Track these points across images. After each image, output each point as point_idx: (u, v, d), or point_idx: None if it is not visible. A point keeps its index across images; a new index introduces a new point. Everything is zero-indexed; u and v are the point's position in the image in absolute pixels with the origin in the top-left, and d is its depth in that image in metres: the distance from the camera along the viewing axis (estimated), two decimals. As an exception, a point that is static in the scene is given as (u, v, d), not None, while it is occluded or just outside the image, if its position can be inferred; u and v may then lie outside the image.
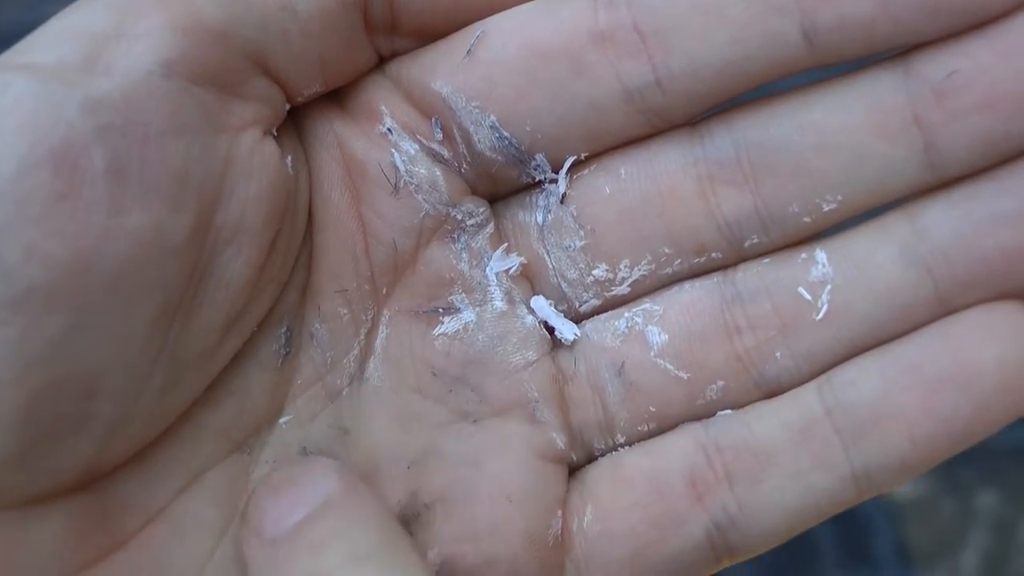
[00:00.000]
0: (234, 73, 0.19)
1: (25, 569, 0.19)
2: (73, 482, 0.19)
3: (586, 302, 0.22)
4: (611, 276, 0.22)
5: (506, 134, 0.21)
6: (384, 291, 0.22)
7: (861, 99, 0.21)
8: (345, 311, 0.22)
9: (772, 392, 0.22)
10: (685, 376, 0.22)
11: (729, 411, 0.22)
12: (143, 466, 0.20)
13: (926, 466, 0.21)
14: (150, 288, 0.18)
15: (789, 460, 0.21)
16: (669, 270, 0.22)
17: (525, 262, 0.22)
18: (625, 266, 0.22)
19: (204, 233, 0.19)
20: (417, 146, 0.22)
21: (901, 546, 0.72)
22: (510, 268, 0.22)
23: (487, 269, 0.22)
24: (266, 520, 0.19)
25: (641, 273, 0.22)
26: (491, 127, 0.21)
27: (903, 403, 0.20)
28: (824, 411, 0.21)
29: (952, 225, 0.20)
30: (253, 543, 0.19)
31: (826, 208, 0.21)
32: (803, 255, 0.21)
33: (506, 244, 0.23)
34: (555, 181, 0.22)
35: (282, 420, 0.22)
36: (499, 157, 0.22)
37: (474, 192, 0.22)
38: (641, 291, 0.22)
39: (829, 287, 0.21)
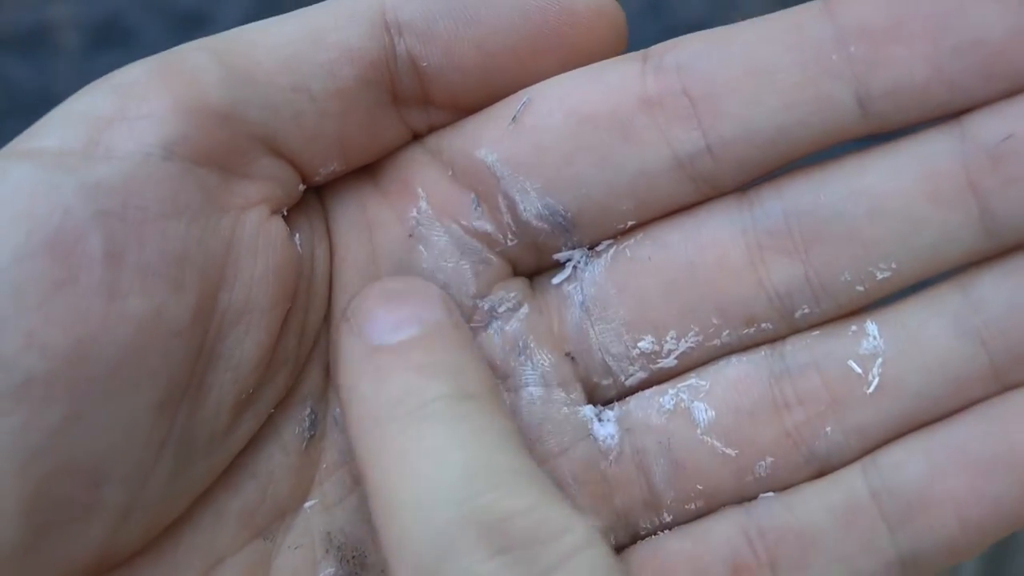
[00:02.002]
0: (239, 154, 0.19)
1: None
2: (84, 572, 0.19)
3: (632, 375, 0.22)
4: (657, 348, 0.22)
5: (552, 201, 0.21)
6: None
7: (914, 164, 0.20)
8: None
9: (821, 469, 0.21)
10: (733, 453, 0.21)
11: (772, 494, 0.22)
12: (160, 554, 0.20)
13: (975, 550, 0.20)
14: (153, 373, 0.18)
15: (833, 545, 0.21)
16: (717, 341, 0.22)
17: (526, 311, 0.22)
18: (672, 338, 0.21)
19: (208, 314, 0.19)
20: (447, 237, 0.21)
21: (901, 546, 0.71)
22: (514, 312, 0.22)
23: (520, 355, 0.22)
24: (372, 326, 0.19)
25: (688, 345, 0.22)
26: (537, 194, 0.21)
27: (950, 486, 0.20)
28: (870, 494, 0.21)
29: (1006, 296, 0.20)
30: (353, 341, 0.19)
31: (880, 277, 0.20)
32: (853, 327, 0.21)
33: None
34: (597, 252, 0.22)
35: (307, 504, 0.21)
36: (545, 226, 0.21)
37: (516, 267, 0.22)
38: (689, 363, 0.22)
39: (880, 360, 0.21)
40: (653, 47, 0.21)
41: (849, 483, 0.21)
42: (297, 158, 0.20)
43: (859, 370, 0.21)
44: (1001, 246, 0.20)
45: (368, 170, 0.22)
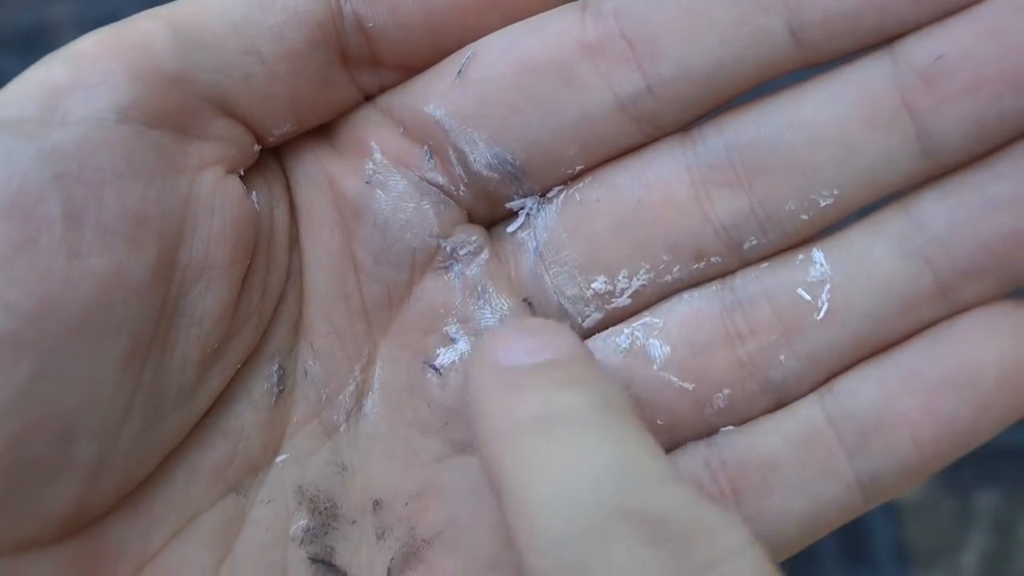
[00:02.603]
0: (192, 116, 0.20)
1: None
2: (60, 528, 0.19)
3: (588, 316, 0.22)
4: (611, 288, 0.22)
5: (500, 151, 0.21)
6: (379, 326, 0.22)
7: (849, 91, 0.20)
8: (339, 348, 0.22)
9: (779, 397, 0.22)
10: (690, 387, 0.22)
11: (732, 427, 0.22)
12: (136, 511, 0.20)
13: (931, 470, 0.21)
14: (117, 329, 0.18)
15: (794, 472, 0.21)
16: (669, 278, 0.22)
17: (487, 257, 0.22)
18: (624, 277, 0.22)
19: (169, 271, 0.19)
20: (406, 181, 0.22)
21: (901, 546, 0.72)
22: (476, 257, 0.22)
23: (480, 299, 0.22)
24: (507, 351, 0.19)
25: (641, 283, 0.22)
26: (486, 145, 0.21)
27: (904, 408, 0.21)
28: (826, 421, 0.21)
29: (947, 214, 0.20)
30: (486, 367, 0.19)
31: (823, 204, 0.21)
32: (800, 256, 0.21)
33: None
34: (548, 199, 0.22)
35: (279, 459, 0.22)
36: (495, 175, 0.22)
37: (472, 217, 0.23)
38: (643, 302, 0.22)
39: (828, 286, 0.21)
40: None
41: (806, 412, 0.21)
42: (250, 119, 0.21)
43: (808, 297, 0.21)
44: (939, 166, 0.20)
45: (324, 132, 0.22)
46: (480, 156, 0.22)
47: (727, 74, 0.20)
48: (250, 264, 0.21)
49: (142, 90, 0.19)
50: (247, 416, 0.21)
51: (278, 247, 0.21)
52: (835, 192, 0.21)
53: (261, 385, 0.21)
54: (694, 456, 0.22)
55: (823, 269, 0.21)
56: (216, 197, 0.20)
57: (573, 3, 0.22)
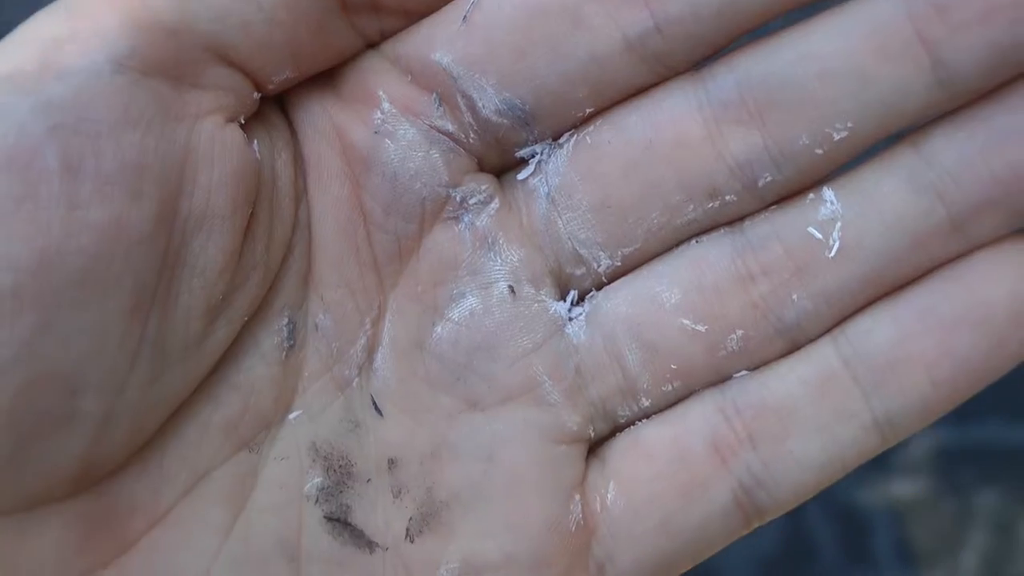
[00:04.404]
0: (190, 65, 0.19)
1: (31, 575, 0.19)
2: (70, 483, 0.19)
3: (602, 262, 0.22)
4: (624, 230, 0.22)
5: (509, 96, 0.21)
6: (389, 279, 0.22)
7: (861, 23, 0.20)
8: (349, 300, 0.22)
9: (793, 340, 0.22)
10: (703, 329, 0.21)
11: (745, 372, 0.22)
12: (146, 467, 0.20)
13: (946, 408, 0.21)
14: (119, 280, 0.18)
15: (810, 414, 0.21)
16: (684, 219, 0.22)
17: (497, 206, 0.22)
18: (638, 218, 0.22)
19: (170, 221, 0.19)
20: (415, 130, 0.22)
21: (901, 546, 0.72)
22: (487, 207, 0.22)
23: (490, 251, 0.22)
24: None
25: (656, 223, 0.22)
26: (494, 90, 0.21)
27: (919, 347, 0.20)
28: (841, 362, 0.21)
29: (958, 148, 0.20)
30: None
31: (837, 137, 0.20)
32: (811, 196, 0.21)
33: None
34: (559, 144, 0.22)
35: (292, 416, 0.21)
36: (504, 121, 0.21)
37: (482, 166, 0.22)
38: (657, 245, 0.22)
39: (839, 224, 0.21)
40: None
41: (820, 354, 0.21)
42: (248, 67, 0.20)
43: (819, 235, 0.21)
44: (955, 96, 0.20)
45: (330, 83, 0.22)
46: (489, 102, 0.21)
47: (736, 11, 0.20)
48: (252, 214, 0.21)
49: (139, 40, 0.19)
50: (258, 371, 0.21)
51: (282, 198, 0.21)
52: (849, 125, 0.20)
53: (271, 339, 0.21)
54: (709, 403, 0.22)
55: (834, 207, 0.21)
56: (215, 145, 0.20)
57: None
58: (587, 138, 0.22)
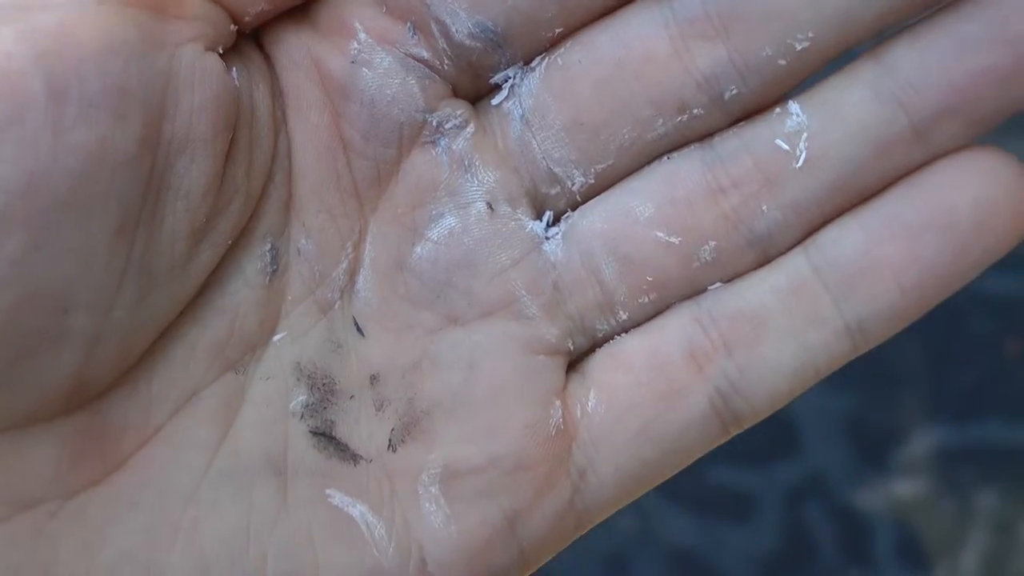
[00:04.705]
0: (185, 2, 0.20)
1: (24, 491, 0.19)
2: (61, 401, 0.20)
3: (576, 180, 0.23)
4: (597, 147, 0.23)
5: (481, 19, 0.22)
6: (369, 203, 0.23)
7: None
8: (330, 225, 0.22)
9: (765, 251, 0.22)
10: (677, 241, 0.22)
11: (719, 284, 0.22)
12: (136, 387, 0.21)
13: (916, 313, 0.21)
14: (105, 201, 0.19)
15: (783, 321, 0.22)
16: (654, 134, 0.22)
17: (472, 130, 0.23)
18: (610, 135, 0.22)
19: (154, 144, 0.20)
20: (391, 58, 0.22)
21: (901, 546, 0.72)
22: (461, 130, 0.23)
23: (467, 172, 0.23)
24: None
25: (628, 139, 0.22)
26: (467, 14, 0.22)
27: (887, 253, 0.21)
28: (812, 271, 0.22)
29: (918, 57, 0.21)
30: None
31: (799, 47, 0.21)
32: (777, 110, 0.22)
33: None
34: (531, 68, 0.23)
35: (276, 338, 0.22)
36: (477, 44, 0.22)
37: (457, 92, 0.23)
38: (629, 162, 0.23)
39: (805, 135, 0.21)
40: None
41: (791, 264, 0.22)
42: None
43: (786, 147, 0.22)
44: (912, 6, 0.21)
45: (305, 16, 0.23)
46: (462, 26, 0.22)
47: None
48: (233, 140, 0.21)
49: None
50: (242, 295, 0.22)
51: (261, 126, 0.22)
52: (810, 35, 0.21)
53: (255, 264, 0.22)
54: (684, 314, 0.22)
55: (799, 119, 0.22)
56: (196, 72, 0.20)
57: None
58: (558, 60, 0.22)
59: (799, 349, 0.22)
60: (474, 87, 0.23)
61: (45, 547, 0.20)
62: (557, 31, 0.22)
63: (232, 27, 0.21)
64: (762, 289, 0.22)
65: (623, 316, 0.23)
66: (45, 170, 0.18)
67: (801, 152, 0.21)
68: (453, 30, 0.22)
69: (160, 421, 0.21)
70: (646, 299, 0.23)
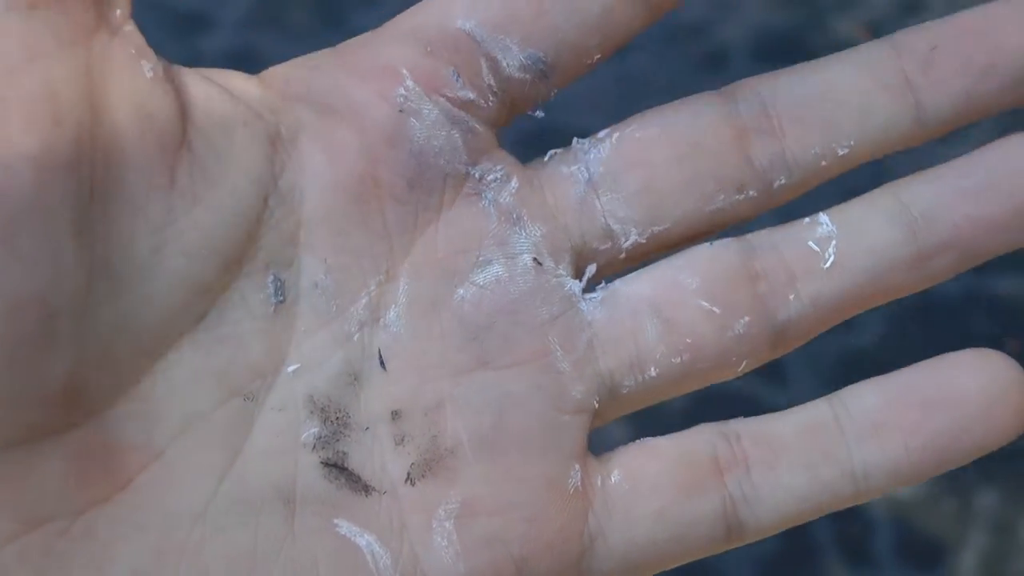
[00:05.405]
0: None
1: (34, 508, 0.20)
2: (60, 408, 0.20)
3: (631, 237, 0.24)
4: (661, 210, 0.24)
5: (533, 51, 0.23)
6: (400, 247, 0.23)
7: (866, 64, 0.25)
8: (354, 264, 0.23)
9: (781, 332, 0.24)
10: (717, 311, 0.24)
11: (742, 419, 0.25)
12: (138, 407, 0.21)
13: (914, 478, 0.24)
14: (61, 204, 0.20)
15: (800, 452, 0.24)
16: (712, 207, 0.24)
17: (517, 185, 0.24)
18: (676, 201, 0.24)
19: (88, 146, 0.20)
20: (438, 109, 0.23)
21: (901, 546, 0.72)
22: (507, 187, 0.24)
23: (515, 225, 0.24)
24: None
25: (690, 207, 0.24)
26: (519, 48, 0.23)
27: (900, 416, 0.24)
28: (832, 416, 0.24)
29: (932, 195, 0.24)
30: None
31: (840, 153, 0.24)
32: (807, 220, 0.25)
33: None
34: (598, 139, 0.25)
35: (290, 368, 0.22)
36: (527, 76, 0.23)
37: (497, 123, 0.24)
38: (682, 228, 0.25)
39: (835, 242, 0.24)
40: None
41: (815, 408, 0.24)
42: None
43: (817, 249, 0.25)
44: (925, 135, 0.24)
45: (341, 58, 0.23)
46: (513, 60, 0.23)
47: None
48: (189, 150, 0.22)
49: None
50: (245, 324, 0.22)
51: (235, 148, 0.22)
52: (851, 144, 0.24)
53: (257, 295, 0.22)
54: (713, 430, 0.24)
55: (830, 228, 0.24)
56: (111, 67, 0.21)
57: None
58: (634, 133, 0.25)
59: (812, 479, 0.24)
60: (507, 119, 0.24)
61: (56, 565, 0.20)
62: (596, 57, 0.24)
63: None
64: (787, 422, 0.24)
65: (653, 373, 0.24)
66: (3, 183, 0.19)
67: (830, 255, 0.24)
68: (504, 64, 0.23)
69: (164, 442, 0.21)
70: (679, 359, 0.24)
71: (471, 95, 0.23)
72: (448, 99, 0.23)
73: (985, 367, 0.24)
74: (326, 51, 0.24)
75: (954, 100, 0.24)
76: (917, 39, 0.24)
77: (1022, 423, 0.24)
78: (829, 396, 0.24)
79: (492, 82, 0.23)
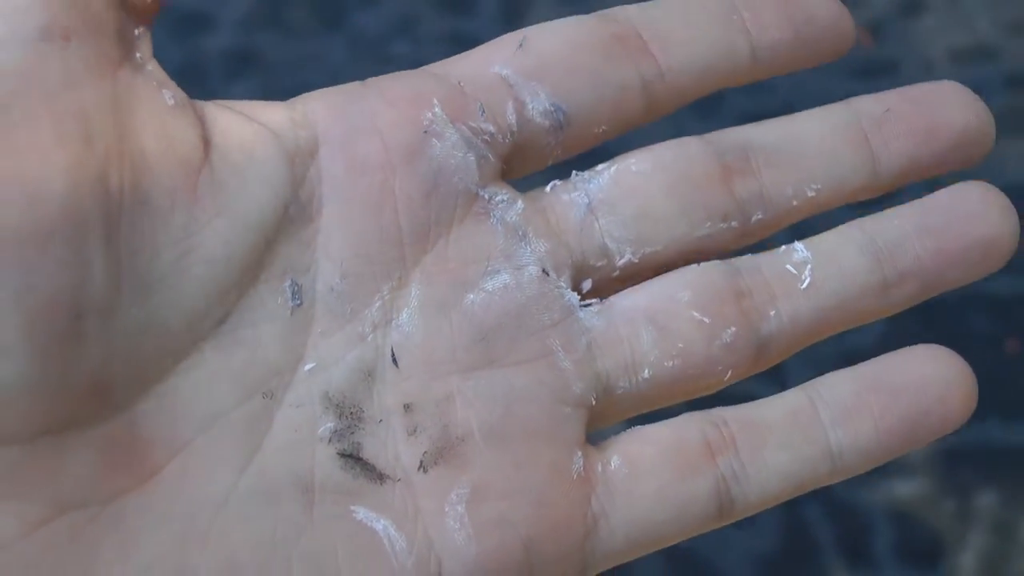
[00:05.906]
0: (101, 21, 0.22)
1: (65, 494, 0.21)
2: (89, 402, 0.21)
3: (625, 256, 0.27)
4: (654, 234, 0.27)
5: (559, 101, 0.26)
6: (412, 255, 0.25)
7: (834, 120, 0.28)
8: (367, 270, 0.25)
9: (763, 346, 0.27)
10: (707, 320, 0.26)
11: (727, 407, 0.26)
12: (163, 404, 0.22)
13: (883, 456, 0.26)
14: (92, 213, 0.21)
15: (783, 434, 0.26)
16: (700, 232, 0.27)
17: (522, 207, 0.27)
18: (668, 226, 0.27)
19: (117, 163, 0.22)
20: (458, 134, 0.25)
21: (901, 546, 0.72)
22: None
23: (521, 241, 0.26)
24: None
25: (680, 232, 0.27)
26: (547, 95, 0.26)
27: (871, 401, 0.26)
28: (809, 402, 0.26)
29: (894, 232, 0.27)
30: None
31: (809, 194, 0.27)
32: (783, 248, 0.27)
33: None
34: (597, 171, 0.27)
35: (306, 367, 0.24)
36: (546, 122, 0.26)
37: (506, 164, 0.26)
38: (671, 251, 0.27)
39: (810, 266, 0.27)
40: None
41: (795, 396, 0.27)
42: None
43: (795, 271, 0.27)
44: (879, 186, 0.28)
45: (366, 88, 0.25)
46: (539, 104, 0.26)
47: (716, 72, 0.27)
48: (207, 164, 0.23)
49: (55, 8, 0.22)
50: (264, 327, 0.24)
51: (253, 165, 0.24)
52: (818, 188, 0.27)
53: (275, 299, 0.24)
54: (702, 417, 0.26)
55: (805, 254, 0.27)
56: (136, 93, 0.22)
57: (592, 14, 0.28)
58: (631, 166, 0.27)
59: (794, 459, 0.26)
60: (521, 167, 0.27)
61: (85, 549, 0.21)
62: (602, 128, 0.26)
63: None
64: (770, 407, 0.26)
65: (646, 374, 0.26)
66: (40, 192, 0.21)
67: (807, 277, 0.27)
68: (529, 107, 0.26)
69: (187, 437, 0.23)
70: (671, 363, 0.26)
71: (491, 128, 0.25)
72: (470, 128, 0.25)
73: (938, 360, 0.27)
74: (355, 83, 0.26)
75: (901, 159, 0.27)
76: (873, 103, 0.28)
77: (970, 409, 0.27)
78: (804, 385, 0.27)
79: (513, 121, 0.26)
